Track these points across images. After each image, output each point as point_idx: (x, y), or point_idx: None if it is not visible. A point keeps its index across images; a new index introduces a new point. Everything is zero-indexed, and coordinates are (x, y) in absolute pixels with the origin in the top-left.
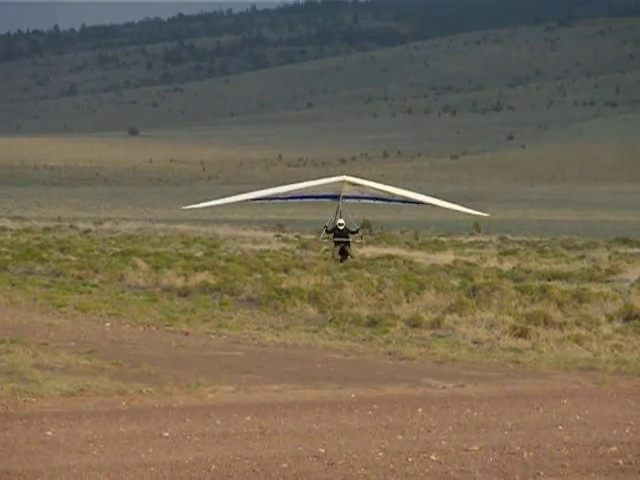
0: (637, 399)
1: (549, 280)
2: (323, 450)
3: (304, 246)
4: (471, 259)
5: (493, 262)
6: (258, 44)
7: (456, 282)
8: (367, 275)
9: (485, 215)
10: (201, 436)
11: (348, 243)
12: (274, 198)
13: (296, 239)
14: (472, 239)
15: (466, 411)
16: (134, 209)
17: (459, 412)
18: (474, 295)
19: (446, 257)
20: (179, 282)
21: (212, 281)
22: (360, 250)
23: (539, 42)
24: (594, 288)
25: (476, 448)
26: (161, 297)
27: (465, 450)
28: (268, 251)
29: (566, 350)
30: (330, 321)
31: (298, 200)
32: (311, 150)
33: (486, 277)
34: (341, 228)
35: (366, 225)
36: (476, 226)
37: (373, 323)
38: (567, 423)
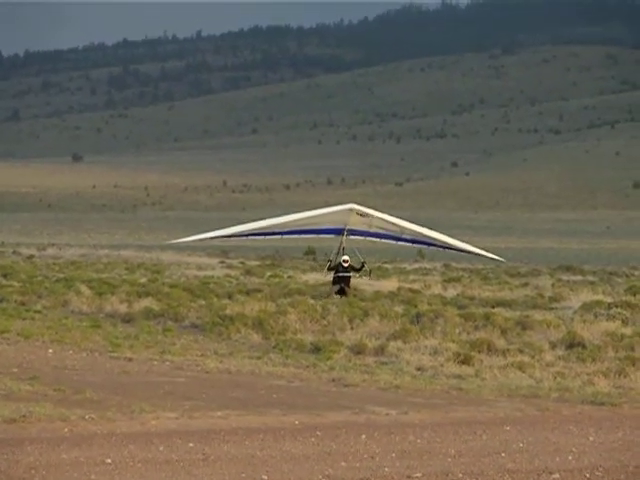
0: (580, 426)
1: (493, 307)
2: (266, 477)
3: (248, 272)
4: (415, 286)
5: (437, 289)
6: (202, 70)
7: (400, 309)
8: (311, 302)
9: (502, 260)
10: (144, 462)
11: (348, 282)
12: (271, 233)
13: (240, 265)
14: (416, 266)
15: (409, 438)
16: (78, 235)
17: (402, 439)
18: (418, 322)
19: (390, 284)
20: (123, 308)
21: (156, 307)
22: (304, 277)
23: (483, 69)
24: (537, 315)
25: (419, 475)
26: (104, 323)
27: (408, 477)
28: (212, 277)
29: (509, 377)
30: (274, 347)
31: (297, 235)
32: (255, 176)
33: (430, 304)
34: (345, 265)
35: (310, 251)
36: (420, 253)
37: (317, 350)
38: (510, 450)
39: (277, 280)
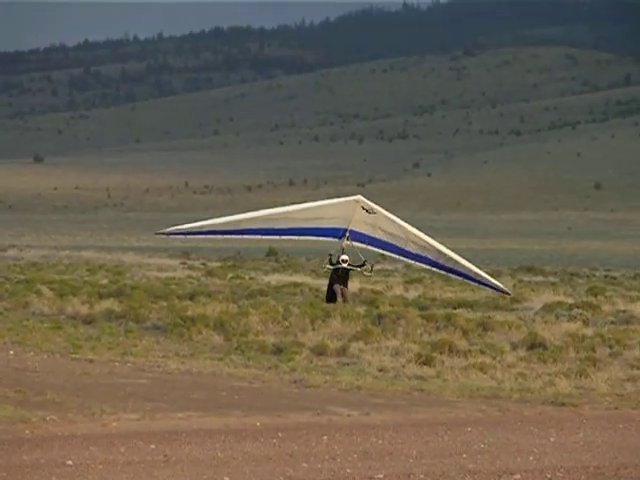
0: (541, 427)
1: (454, 308)
2: (227, 478)
3: (209, 274)
4: (377, 287)
5: (399, 290)
6: (164, 71)
7: (362, 310)
8: (273, 303)
9: (509, 293)
10: (105, 464)
11: (347, 281)
12: (270, 231)
13: (202, 266)
14: (378, 267)
15: (371, 439)
16: (39, 236)
17: (364, 440)
18: (380, 323)
19: (352, 285)
20: (84, 309)
21: (117, 308)
22: (266, 278)
23: (445, 71)
24: (499, 316)
25: (381, 476)
26: (66, 325)
27: (370, 478)
28: (174, 279)
29: (471, 378)
30: (235, 349)
31: (297, 237)
32: (217, 177)
33: (392, 305)
34: (345, 265)
35: (272, 253)
36: (382, 254)
37: (279, 351)
38: (471, 451)
39: (239, 281)
